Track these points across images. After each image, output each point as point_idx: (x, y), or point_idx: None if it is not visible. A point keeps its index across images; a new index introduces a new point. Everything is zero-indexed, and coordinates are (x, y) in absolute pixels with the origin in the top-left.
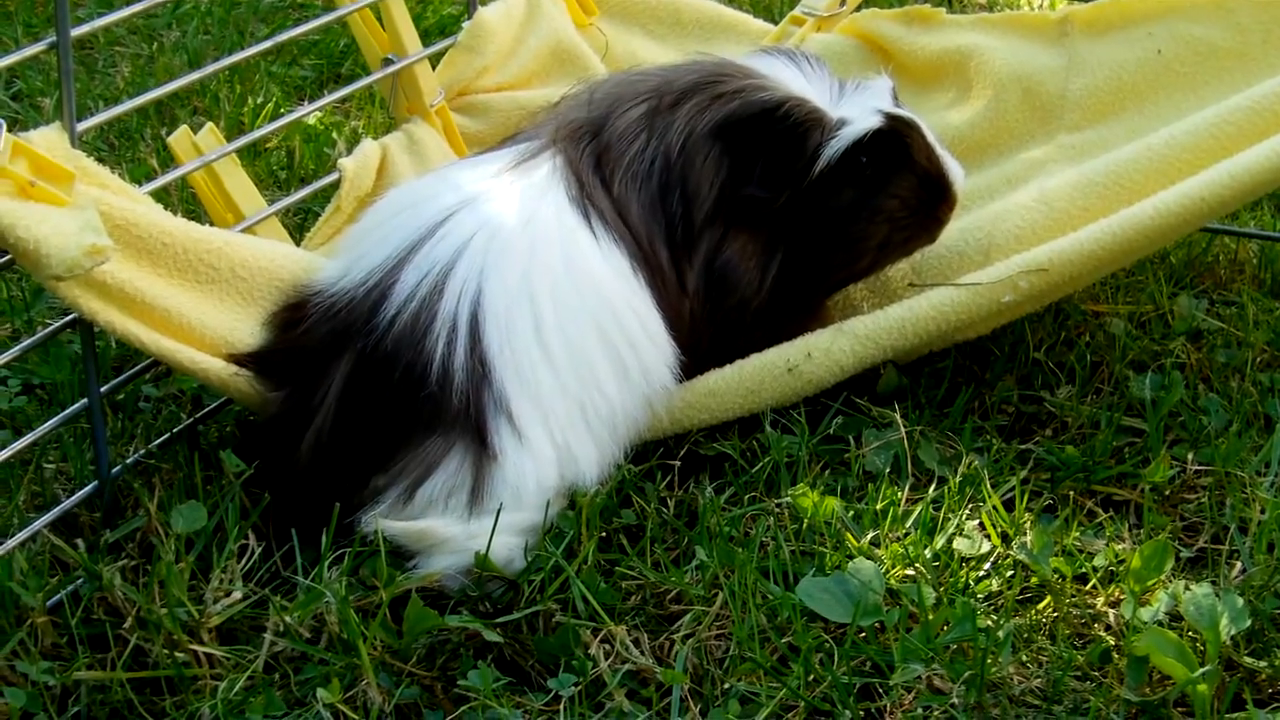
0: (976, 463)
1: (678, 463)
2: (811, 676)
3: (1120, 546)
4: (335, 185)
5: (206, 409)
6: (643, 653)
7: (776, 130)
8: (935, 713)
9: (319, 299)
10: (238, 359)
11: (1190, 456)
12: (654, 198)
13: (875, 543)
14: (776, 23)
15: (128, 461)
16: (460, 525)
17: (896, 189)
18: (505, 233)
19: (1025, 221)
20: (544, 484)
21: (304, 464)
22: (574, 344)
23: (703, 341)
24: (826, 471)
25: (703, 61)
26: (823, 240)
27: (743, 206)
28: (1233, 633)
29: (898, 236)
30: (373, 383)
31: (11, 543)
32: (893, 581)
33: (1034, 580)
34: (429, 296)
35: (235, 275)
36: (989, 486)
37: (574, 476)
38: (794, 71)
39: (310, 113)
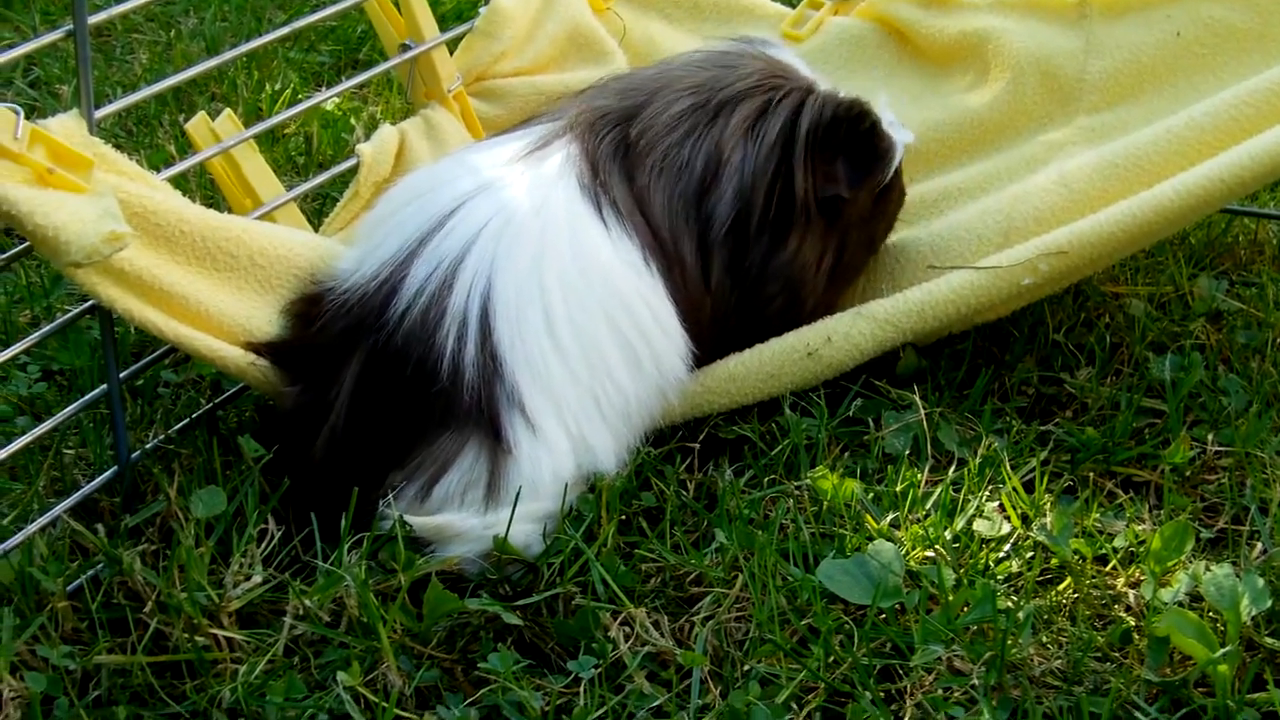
0: (996, 444)
1: (697, 445)
2: (832, 658)
3: (1140, 527)
4: (353, 171)
5: (226, 394)
6: (663, 635)
7: (860, 136)
8: (955, 694)
9: (333, 295)
10: (255, 348)
11: (1210, 437)
12: (688, 192)
13: (895, 524)
14: (794, 6)
15: (147, 447)
16: (477, 519)
17: (894, 190)
18: (514, 224)
19: (1044, 204)
20: (560, 475)
21: (319, 461)
22: (585, 335)
23: (726, 334)
24: (846, 454)
25: (743, 57)
26: (855, 238)
27: (816, 208)
28: (1253, 613)
29: (889, 234)
30: (385, 380)
31: (32, 528)
32: (913, 563)
33: (1054, 561)
34: (438, 291)
35: (253, 263)
36: (1009, 468)
37: (591, 466)
38: (805, 67)
39: (328, 99)
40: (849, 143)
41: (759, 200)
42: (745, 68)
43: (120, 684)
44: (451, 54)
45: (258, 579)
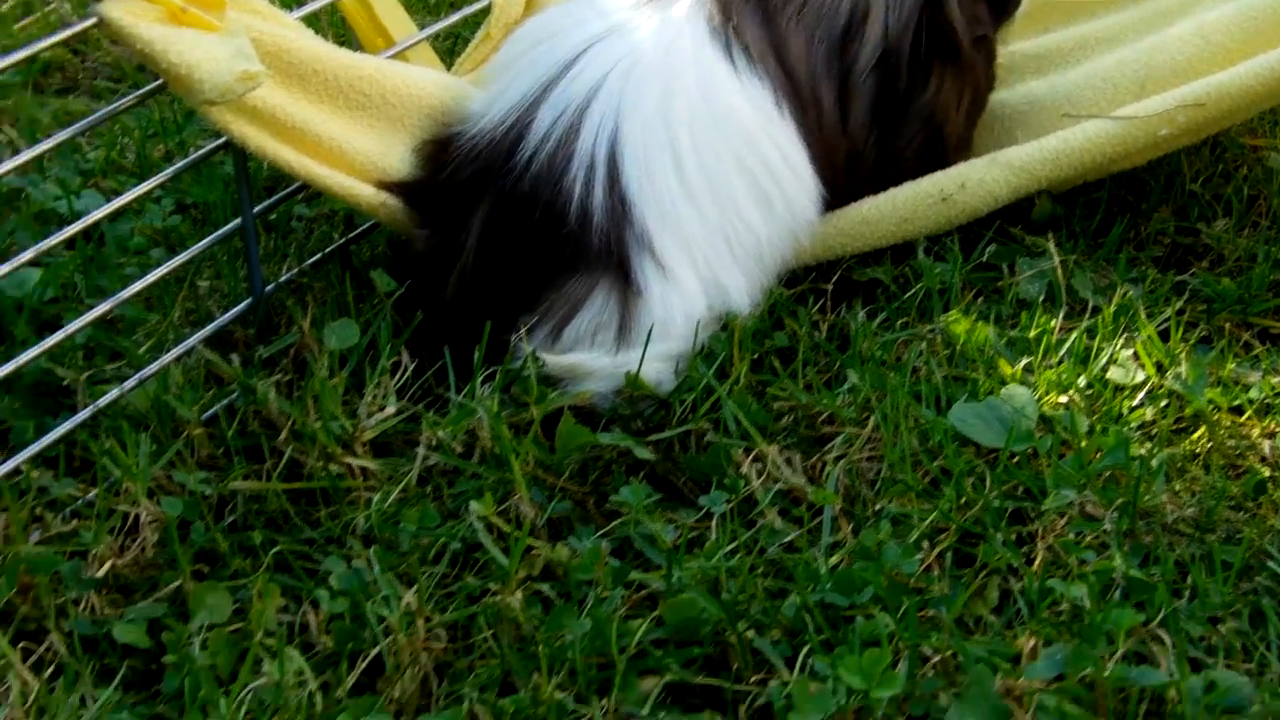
0: (1131, 293)
1: (830, 287)
2: (963, 500)
3: (1276, 379)
4: (486, 11)
5: (358, 229)
6: (795, 472)
7: None
8: (1087, 538)
9: (462, 139)
10: (387, 187)
11: None
12: (831, 37)
13: (1028, 370)
14: None
15: (281, 280)
16: (609, 358)
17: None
18: (641, 69)
19: (1182, 55)
20: (691, 315)
21: (450, 302)
22: (714, 176)
23: (860, 178)
24: (979, 299)
25: None
26: (984, 77)
27: (961, 49)
28: None
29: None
30: (513, 224)
31: (168, 357)
32: (1045, 409)
33: (1188, 411)
34: (565, 136)
35: (385, 102)
36: (1144, 316)
37: (722, 306)
38: None
39: None
40: None
41: (906, 43)
42: None
43: (255, 509)
44: None
45: (391, 410)
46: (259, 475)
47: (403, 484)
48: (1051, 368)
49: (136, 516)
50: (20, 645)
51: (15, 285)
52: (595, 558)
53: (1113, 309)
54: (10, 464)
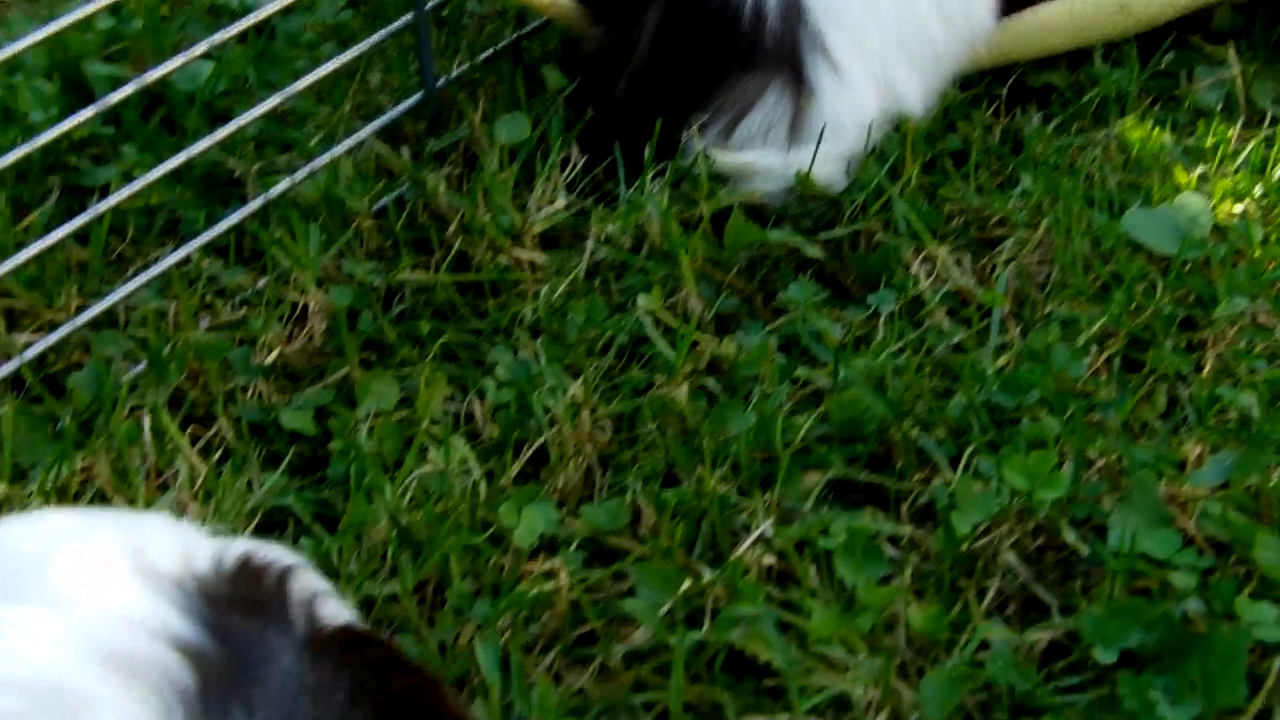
0: None
1: (1004, 91)
2: (1133, 305)
3: None
4: None
5: (530, 26)
6: (964, 273)
7: None
8: (1258, 347)
9: None
10: None
11: None
12: None
13: (1203, 178)
14: None
15: (452, 75)
16: (779, 156)
17: None
18: None
19: None
20: (864, 116)
21: (621, 100)
22: None
23: None
24: (1155, 106)
25: None
26: None
27: None
28: None
29: None
30: (686, 24)
31: (338, 149)
32: (1219, 218)
33: None
34: None
35: None
36: None
37: (896, 109)
38: None
39: None
40: None
41: None
42: None
43: (423, 300)
44: None
45: (560, 204)
46: (427, 267)
47: (571, 276)
48: (1227, 176)
49: (305, 305)
50: (189, 430)
51: (187, 78)
52: (762, 353)
53: None
54: (181, 252)
